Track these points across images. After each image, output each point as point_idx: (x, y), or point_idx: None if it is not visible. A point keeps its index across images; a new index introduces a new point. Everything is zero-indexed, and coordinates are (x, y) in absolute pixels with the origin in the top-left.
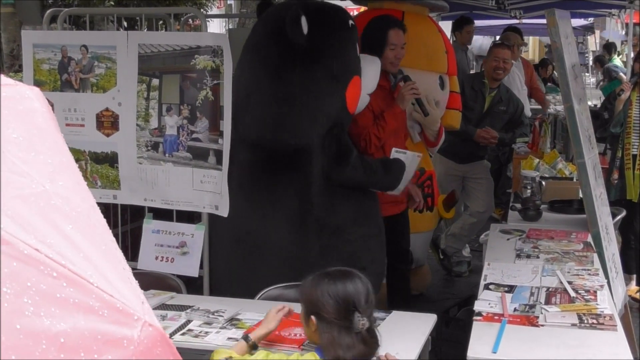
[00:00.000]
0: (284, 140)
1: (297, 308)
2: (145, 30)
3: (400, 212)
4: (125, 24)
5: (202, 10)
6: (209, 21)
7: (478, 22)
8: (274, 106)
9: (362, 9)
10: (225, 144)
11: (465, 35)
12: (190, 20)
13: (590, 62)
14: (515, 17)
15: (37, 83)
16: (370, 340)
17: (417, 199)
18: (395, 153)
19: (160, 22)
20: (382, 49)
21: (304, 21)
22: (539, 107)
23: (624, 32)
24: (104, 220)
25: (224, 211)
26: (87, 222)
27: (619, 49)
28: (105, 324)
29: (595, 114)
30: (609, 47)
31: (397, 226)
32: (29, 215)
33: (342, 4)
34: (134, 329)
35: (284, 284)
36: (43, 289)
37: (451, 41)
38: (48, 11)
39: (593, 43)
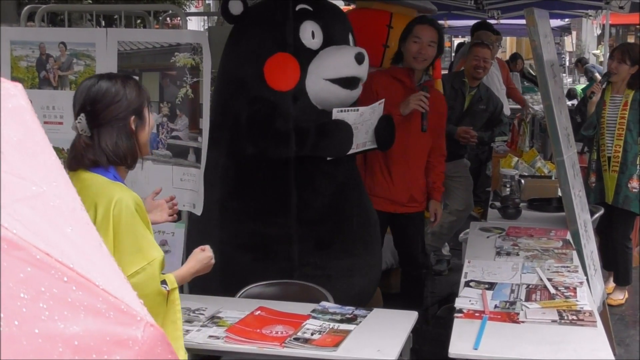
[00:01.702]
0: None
1: (278, 306)
2: (124, 27)
3: (415, 213)
4: (103, 22)
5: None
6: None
7: (456, 23)
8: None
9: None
10: (204, 141)
11: (483, 37)
12: (168, 19)
13: (567, 63)
14: (493, 17)
15: (15, 80)
16: None
17: (433, 218)
18: (336, 113)
19: (139, 20)
20: (405, 40)
21: (237, 3)
22: (518, 106)
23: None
24: (94, 228)
25: (199, 210)
26: (82, 223)
27: (594, 50)
28: (112, 325)
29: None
30: (581, 59)
31: (409, 227)
32: (34, 218)
33: (337, 3)
34: (137, 329)
35: (264, 282)
36: (55, 293)
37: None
38: (25, 8)
39: (570, 44)
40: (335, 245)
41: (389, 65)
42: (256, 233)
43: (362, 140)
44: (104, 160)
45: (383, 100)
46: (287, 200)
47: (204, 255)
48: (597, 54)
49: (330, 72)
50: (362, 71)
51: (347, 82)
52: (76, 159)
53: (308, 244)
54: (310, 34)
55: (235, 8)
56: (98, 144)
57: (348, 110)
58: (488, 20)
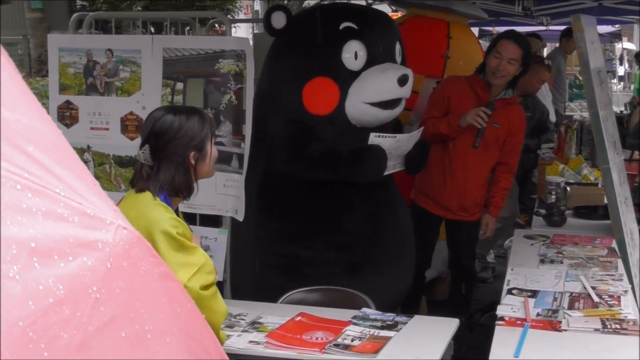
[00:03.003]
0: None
1: (319, 312)
2: (173, 34)
3: (465, 222)
4: (152, 28)
5: (229, 15)
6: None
7: (504, 29)
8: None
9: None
10: (246, 148)
11: (571, 44)
12: (216, 25)
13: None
14: (542, 24)
15: (63, 87)
16: None
17: (483, 231)
18: (373, 138)
19: (187, 27)
20: (489, 53)
21: (280, 16)
22: (563, 113)
23: None
24: (77, 156)
25: (240, 215)
26: (56, 148)
27: None
28: (77, 228)
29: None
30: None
31: (459, 235)
32: None
33: (382, 8)
34: (107, 232)
35: (306, 288)
36: (7, 201)
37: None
38: (74, 15)
39: (620, 49)
40: (366, 268)
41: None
42: (288, 255)
43: (393, 162)
44: (156, 189)
45: (422, 129)
46: (321, 223)
47: None
48: None
49: (371, 96)
50: (404, 92)
51: (388, 104)
52: (137, 183)
53: (339, 267)
54: (353, 55)
55: (279, 21)
56: (157, 174)
57: (386, 136)
58: (537, 27)
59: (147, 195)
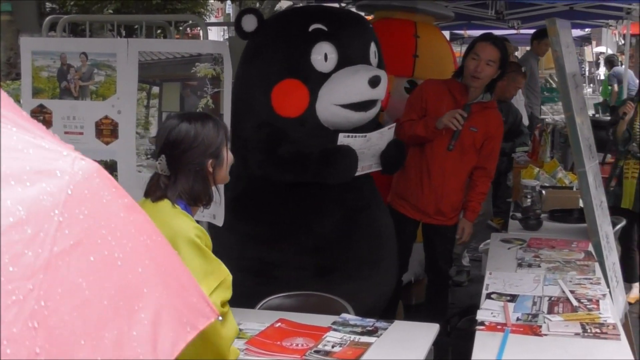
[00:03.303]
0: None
1: (298, 318)
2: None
3: (441, 226)
4: (123, 32)
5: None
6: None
7: (475, 33)
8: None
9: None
10: None
11: (542, 46)
12: (188, 29)
13: (587, 73)
14: (513, 28)
15: (36, 90)
16: None
17: (459, 235)
18: (342, 139)
19: (159, 30)
20: (466, 56)
21: (250, 19)
22: (538, 116)
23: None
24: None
25: (219, 220)
26: (13, 106)
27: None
28: (33, 159)
29: (596, 123)
30: (611, 61)
31: (436, 238)
32: None
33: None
34: (65, 162)
35: (284, 294)
36: None
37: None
38: (47, 18)
39: (590, 54)
40: (338, 272)
41: (419, 77)
42: (258, 257)
43: (368, 163)
44: (174, 198)
45: (394, 125)
46: (291, 225)
47: None
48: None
49: (342, 98)
50: (376, 94)
51: (360, 106)
52: (154, 193)
53: (309, 271)
54: (323, 56)
55: (249, 24)
56: (174, 184)
57: (355, 136)
58: (508, 31)
59: (167, 203)
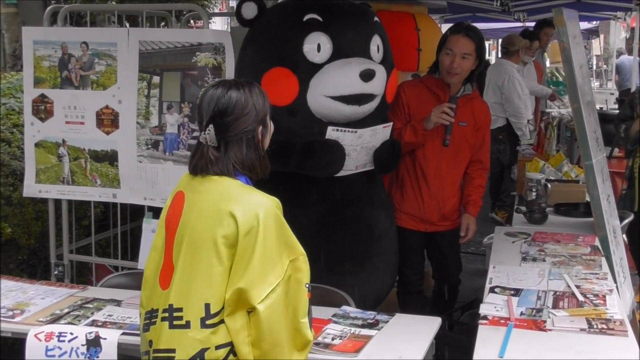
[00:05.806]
0: None
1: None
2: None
3: (447, 231)
4: (127, 24)
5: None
6: (212, 21)
7: (481, 25)
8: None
9: None
10: None
11: (543, 36)
12: (192, 21)
13: (594, 67)
14: (519, 20)
15: (38, 80)
16: None
17: (463, 232)
18: (331, 132)
19: (162, 23)
20: (439, 51)
21: (250, 6)
22: (544, 109)
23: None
24: None
25: None
26: None
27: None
28: None
29: (604, 116)
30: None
31: (444, 246)
32: None
33: None
34: None
35: None
36: None
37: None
38: (48, 8)
39: (597, 47)
40: (317, 264)
41: (424, 71)
42: None
43: (363, 162)
44: (231, 171)
45: (390, 124)
46: None
47: None
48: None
49: (331, 90)
50: (370, 88)
51: (352, 99)
52: (201, 168)
53: None
54: (315, 47)
55: (249, 11)
56: (226, 155)
57: (345, 130)
58: (514, 24)
59: (230, 181)
